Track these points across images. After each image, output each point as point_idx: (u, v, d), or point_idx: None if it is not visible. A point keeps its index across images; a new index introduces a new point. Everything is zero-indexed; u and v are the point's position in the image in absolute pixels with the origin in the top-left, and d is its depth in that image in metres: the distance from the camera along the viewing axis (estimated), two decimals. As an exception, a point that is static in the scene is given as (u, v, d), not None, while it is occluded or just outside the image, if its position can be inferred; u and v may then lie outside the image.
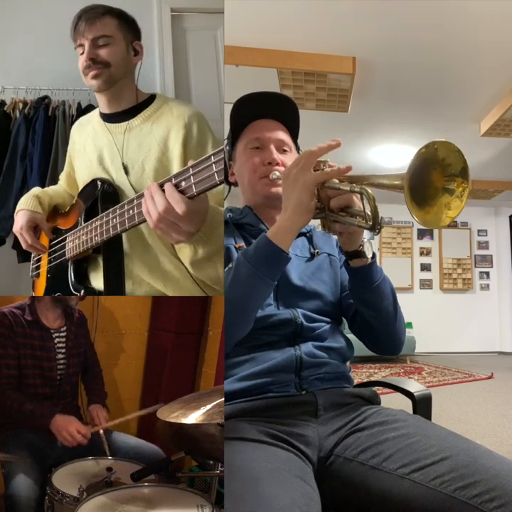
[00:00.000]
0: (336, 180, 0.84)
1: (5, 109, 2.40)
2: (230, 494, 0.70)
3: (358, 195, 0.83)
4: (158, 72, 2.44)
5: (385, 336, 1.03)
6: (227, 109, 1.16)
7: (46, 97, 2.42)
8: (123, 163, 1.24)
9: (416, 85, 4.16)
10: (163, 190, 0.89)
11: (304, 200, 0.84)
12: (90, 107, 2.42)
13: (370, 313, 1.00)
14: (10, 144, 2.41)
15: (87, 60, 1.20)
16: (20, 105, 2.41)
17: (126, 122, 1.27)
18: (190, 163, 0.87)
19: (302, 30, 3.40)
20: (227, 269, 0.91)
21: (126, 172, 1.24)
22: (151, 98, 1.29)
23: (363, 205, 0.80)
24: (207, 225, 0.97)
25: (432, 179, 0.72)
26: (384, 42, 3.52)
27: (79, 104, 2.42)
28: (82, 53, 1.22)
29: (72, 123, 2.40)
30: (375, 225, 0.78)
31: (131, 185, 1.23)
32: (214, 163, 0.83)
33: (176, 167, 1.19)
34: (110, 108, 1.29)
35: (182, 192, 0.88)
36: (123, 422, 1.59)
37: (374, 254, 0.94)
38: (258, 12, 3.18)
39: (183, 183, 0.88)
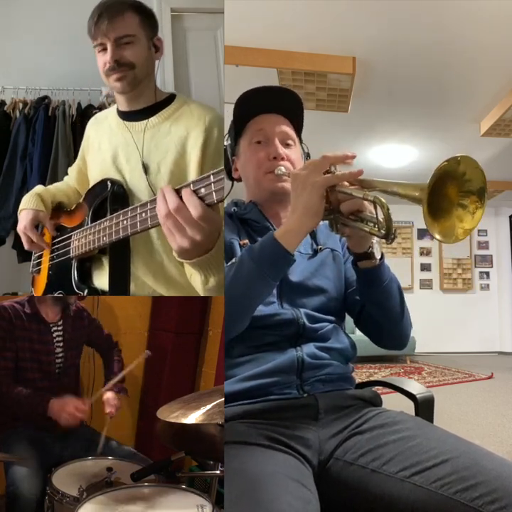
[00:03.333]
0: (347, 184, 0.83)
1: (5, 109, 2.40)
2: (228, 497, 0.70)
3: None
4: (158, 72, 2.44)
5: (392, 332, 1.04)
6: (228, 109, 1.16)
7: (46, 97, 2.42)
8: (143, 162, 1.22)
9: (416, 85, 4.16)
10: (179, 195, 0.86)
11: (314, 202, 0.82)
12: (90, 107, 2.42)
13: (378, 312, 1.00)
14: (10, 144, 2.41)
15: (112, 61, 1.16)
16: (20, 105, 2.41)
17: (145, 121, 1.24)
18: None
19: (302, 30, 3.39)
20: (230, 263, 0.91)
21: (146, 171, 1.21)
22: (170, 98, 1.27)
23: (376, 213, 0.79)
24: (219, 252, 0.93)
25: (447, 192, 0.71)
26: (384, 42, 3.51)
27: (79, 104, 2.43)
28: (101, 52, 1.18)
29: (72, 123, 2.41)
30: (389, 235, 0.76)
31: (150, 184, 1.21)
32: (193, 191, 0.84)
33: (193, 171, 1.17)
34: (129, 106, 1.26)
35: (201, 199, 0.84)
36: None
37: (382, 255, 0.94)
38: (258, 12, 3.18)
39: (202, 190, 0.84)
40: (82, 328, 1.69)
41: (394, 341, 1.06)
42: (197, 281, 0.99)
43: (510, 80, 4.01)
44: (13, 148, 2.41)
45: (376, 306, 0.99)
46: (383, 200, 0.76)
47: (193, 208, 0.83)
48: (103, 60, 1.18)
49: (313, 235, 1.12)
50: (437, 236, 0.69)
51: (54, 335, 1.57)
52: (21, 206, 1.37)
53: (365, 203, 0.82)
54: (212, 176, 0.83)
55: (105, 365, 1.78)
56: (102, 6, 1.17)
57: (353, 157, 0.85)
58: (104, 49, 1.17)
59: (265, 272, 0.84)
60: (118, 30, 1.16)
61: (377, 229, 0.78)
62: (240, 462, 0.78)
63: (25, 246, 1.36)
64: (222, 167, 0.84)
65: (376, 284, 0.94)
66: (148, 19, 1.22)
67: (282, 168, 1.06)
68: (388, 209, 0.75)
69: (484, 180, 0.70)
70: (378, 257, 0.93)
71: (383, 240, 0.78)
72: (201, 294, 1.03)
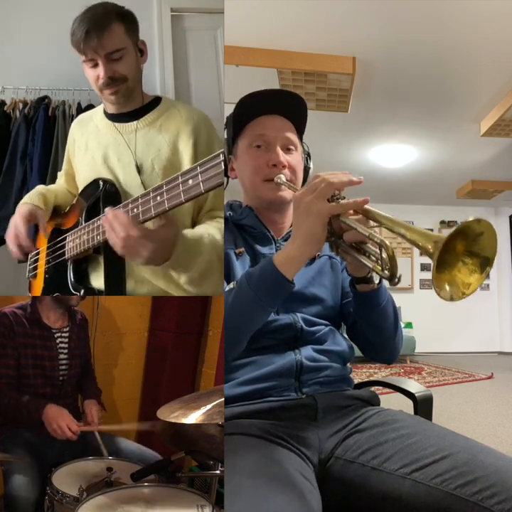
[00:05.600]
0: (351, 212, 0.80)
1: (5, 109, 2.40)
2: (229, 490, 0.70)
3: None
4: (158, 72, 2.44)
5: (383, 349, 1.04)
6: (227, 109, 1.15)
7: (46, 97, 2.41)
8: (136, 162, 1.23)
9: (416, 85, 4.16)
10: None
11: (316, 231, 0.79)
12: (90, 107, 2.41)
13: (371, 331, 1.00)
14: (10, 144, 2.40)
15: (105, 77, 1.17)
16: (20, 105, 2.40)
17: (134, 122, 1.26)
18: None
19: (302, 30, 3.39)
20: (228, 289, 0.90)
21: (139, 171, 1.23)
22: (156, 100, 1.28)
23: (381, 252, 0.75)
24: (181, 254, 1.01)
25: (455, 247, 0.68)
26: (384, 42, 3.51)
27: (79, 104, 2.42)
28: (92, 67, 1.18)
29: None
30: (394, 278, 0.73)
31: (143, 183, 1.22)
32: (181, 183, 0.91)
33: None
34: (117, 110, 1.28)
35: (187, 190, 0.91)
36: (119, 428, 1.60)
37: (381, 279, 0.92)
38: (258, 12, 3.18)
39: (190, 182, 0.90)
40: (85, 338, 1.69)
41: (383, 357, 1.06)
42: (171, 277, 1.07)
43: (511, 79, 4.01)
44: (13, 148, 2.40)
45: (370, 326, 0.99)
46: (388, 243, 0.73)
47: (120, 229, 0.96)
48: (95, 74, 1.19)
49: None
50: (442, 294, 0.66)
51: (57, 341, 1.56)
52: (22, 201, 1.37)
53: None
54: (198, 167, 0.88)
55: (82, 390, 1.69)
56: (87, 20, 1.14)
57: (359, 182, 0.81)
58: (96, 65, 1.17)
59: (264, 300, 0.84)
60: (108, 45, 1.15)
61: (380, 268, 0.76)
62: (243, 453, 0.79)
63: (11, 241, 1.28)
64: (213, 154, 0.87)
65: (372, 306, 0.94)
66: (132, 25, 1.22)
67: (282, 176, 1.02)
68: (393, 252, 0.72)
69: (494, 251, 0.67)
70: (377, 281, 0.92)
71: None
72: (177, 288, 1.11)
